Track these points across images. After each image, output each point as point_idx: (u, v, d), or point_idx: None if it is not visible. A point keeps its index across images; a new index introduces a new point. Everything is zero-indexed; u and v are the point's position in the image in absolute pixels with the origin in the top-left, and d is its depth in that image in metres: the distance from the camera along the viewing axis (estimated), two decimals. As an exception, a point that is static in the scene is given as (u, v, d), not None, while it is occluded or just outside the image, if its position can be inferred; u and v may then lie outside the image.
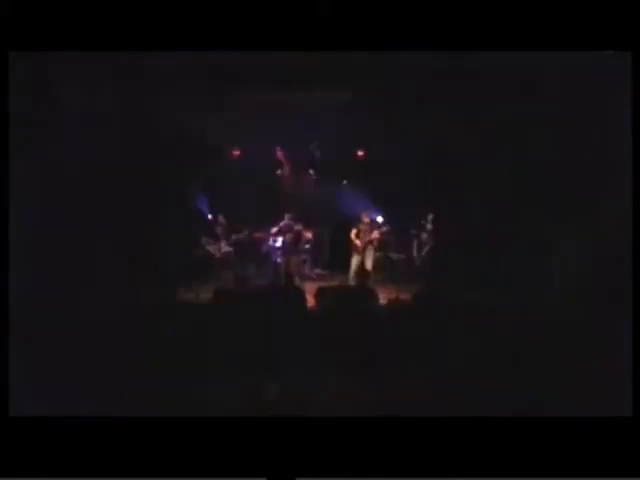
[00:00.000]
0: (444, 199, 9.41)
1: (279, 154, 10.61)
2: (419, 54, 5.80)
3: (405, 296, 8.39)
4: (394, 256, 10.07)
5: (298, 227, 9.99)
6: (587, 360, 5.52)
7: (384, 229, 9.47)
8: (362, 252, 9.41)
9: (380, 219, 9.56)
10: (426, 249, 9.60)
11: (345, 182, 10.68)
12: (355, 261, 9.40)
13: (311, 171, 10.69)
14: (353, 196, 9.98)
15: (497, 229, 8.49)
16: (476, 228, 8.85)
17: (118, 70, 6.75)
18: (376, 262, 9.63)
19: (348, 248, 9.55)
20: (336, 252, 10.17)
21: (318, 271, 10.46)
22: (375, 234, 9.42)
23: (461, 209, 9.16)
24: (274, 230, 9.85)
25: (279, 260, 9.73)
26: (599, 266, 6.99)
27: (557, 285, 7.28)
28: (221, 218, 10.12)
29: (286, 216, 9.88)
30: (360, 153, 10.46)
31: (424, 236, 9.67)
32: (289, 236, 9.81)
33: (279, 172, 10.71)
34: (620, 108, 5.46)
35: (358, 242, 9.40)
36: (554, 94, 7.38)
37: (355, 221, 9.55)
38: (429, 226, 9.61)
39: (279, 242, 9.90)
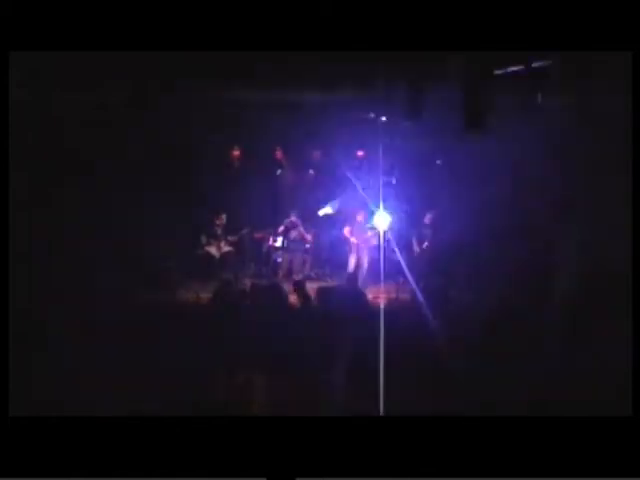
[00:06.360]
0: (444, 198, 9.42)
1: (279, 154, 10.61)
2: (418, 54, 5.79)
3: (405, 296, 8.41)
4: (394, 256, 10.07)
5: (301, 226, 10.03)
6: (587, 360, 5.52)
7: (378, 228, 9.49)
8: (357, 251, 9.45)
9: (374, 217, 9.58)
10: (426, 249, 9.61)
11: (345, 182, 10.67)
12: (353, 260, 9.42)
13: (311, 171, 10.69)
14: (353, 196, 9.98)
15: (497, 229, 8.49)
16: (476, 227, 8.86)
17: (117, 70, 6.75)
18: (372, 261, 9.66)
19: (348, 248, 9.57)
20: (336, 252, 10.17)
21: (318, 271, 10.46)
22: (370, 233, 9.48)
23: (461, 208, 9.16)
24: (281, 229, 9.87)
25: (279, 260, 9.72)
26: (599, 265, 6.99)
27: (557, 284, 7.27)
28: (221, 218, 10.13)
29: (291, 214, 9.91)
30: (360, 153, 10.45)
31: (424, 235, 9.68)
32: (294, 234, 9.84)
33: (279, 172, 10.71)
34: (620, 108, 5.45)
35: (354, 240, 9.44)
36: (554, 94, 7.38)
37: (350, 219, 9.59)
38: (429, 225, 9.62)
39: (279, 242, 9.92)
